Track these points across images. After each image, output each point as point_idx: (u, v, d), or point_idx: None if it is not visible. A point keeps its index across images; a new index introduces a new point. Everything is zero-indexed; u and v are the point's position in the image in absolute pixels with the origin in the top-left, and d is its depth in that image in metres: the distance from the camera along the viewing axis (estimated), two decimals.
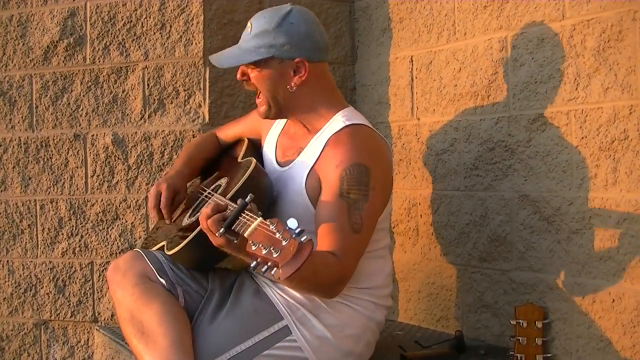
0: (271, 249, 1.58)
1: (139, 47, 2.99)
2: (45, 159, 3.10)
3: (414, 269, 2.85)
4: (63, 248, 3.07)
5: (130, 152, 2.99)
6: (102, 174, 3.02)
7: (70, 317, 3.06)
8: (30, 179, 3.11)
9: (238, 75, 2.17)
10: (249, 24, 2.14)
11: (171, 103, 2.97)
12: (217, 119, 2.93)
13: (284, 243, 1.57)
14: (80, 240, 3.05)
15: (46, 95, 3.10)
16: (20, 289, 3.13)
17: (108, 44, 3.02)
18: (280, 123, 2.30)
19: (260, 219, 1.66)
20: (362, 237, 2.01)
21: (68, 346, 3.09)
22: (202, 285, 2.17)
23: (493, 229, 2.50)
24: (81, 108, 3.06)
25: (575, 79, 2.23)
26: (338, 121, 2.11)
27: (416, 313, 2.86)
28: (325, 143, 2.08)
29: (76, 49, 3.05)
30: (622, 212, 2.11)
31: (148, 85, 2.99)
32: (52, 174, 3.09)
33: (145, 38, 2.98)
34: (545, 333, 2.19)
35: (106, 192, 3.02)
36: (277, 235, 1.59)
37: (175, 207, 2.33)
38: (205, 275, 2.20)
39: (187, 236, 2.06)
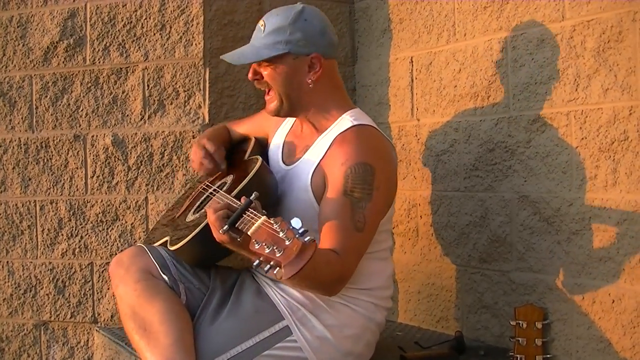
0: (274, 248, 1.57)
1: (139, 48, 2.99)
2: (45, 160, 3.10)
3: (413, 269, 2.85)
4: (63, 249, 3.07)
5: (130, 153, 2.99)
6: (102, 175, 3.02)
7: (70, 318, 3.06)
8: (30, 179, 3.11)
9: (250, 75, 2.17)
10: (260, 22, 2.15)
11: (171, 104, 2.97)
12: (217, 120, 2.93)
13: (287, 243, 1.57)
14: (80, 241, 3.05)
15: (46, 96, 3.10)
16: (20, 289, 3.13)
17: (108, 44, 3.02)
18: (288, 123, 2.31)
19: (264, 217, 1.66)
20: (365, 236, 2.01)
21: (68, 347, 3.09)
22: (204, 282, 2.17)
23: (493, 230, 2.50)
24: (81, 109, 3.06)
25: (575, 79, 2.23)
26: (345, 121, 2.12)
27: (416, 314, 2.86)
28: (332, 142, 2.09)
29: (76, 49, 3.05)
30: (622, 212, 2.11)
31: (148, 86, 2.99)
32: (52, 174, 3.09)
33: (145, 39, 2.99)
34: (545, 334, 2.19)
35: (106, 193, 3.02)
36: (281, 234, 1.59)
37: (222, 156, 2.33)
38: (207, 272, 2.20)
39: (191, 232, 2.06)
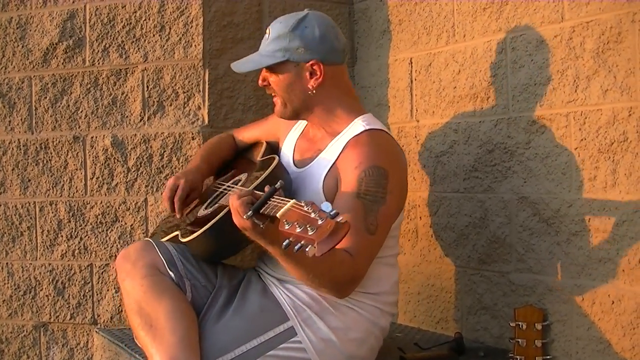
0: (307, 226, 1.54)
1: (139, 49, 2.99)
2: (45, 161, 3.10)
3: (413, 270, 2.85)
4: (62, 250, 3.06)
5: (130, 154, 2.99)
6: (102, 176, 3.02)
7: (70, 319, 3.06)
8: (29, 181, 3.11)
9: (259, 82, 2.21)
10: (267, 30, 2.18)
11: (170, 105, 2.97)
12: (216, 121, 2.93)
13: (320, 222, 1.54)
14: (79, 243, 3.04)
15: (45, 97, 3.10)
16: (19, 291, 3.13)
17: (107, 46, 3.02)
18: (299, 126, 2.33)
19: (293, 200, 1.64)
20: (376, 239, 2.02)
21: (67, 348, 3.09)
22: (211, 280, 2.17)
23: (492, 231, 2.50)
24: (80, 110, 3.06)
25: (575, 81, 2.23)
26: (358, 125, 2.13)
27: (415, 315, 2.86)
28: (345, 145, 2.10)
29: (75, 51, 3.05)
30: (621, 213, 2.11)
31: (147, 87, 2.99)
32: (51, 176, 3.09)
33: (145, 40, 2.99)
34: (545, 335, 2.19)
35: (105, 194, 3.02)
36: (313, 215, 1.56)
37: (189, 202, 2.36)
38: (214, 270, 2.20)
39: (204, 225, 2.06)
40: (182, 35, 2.95)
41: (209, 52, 2.92)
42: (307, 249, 1.54)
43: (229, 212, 1.82)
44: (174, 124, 2.96)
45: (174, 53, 2.96)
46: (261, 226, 1.71)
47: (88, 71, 3.04)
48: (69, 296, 3.06)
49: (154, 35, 2.97)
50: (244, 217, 1.73)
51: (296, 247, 1.55)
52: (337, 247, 1.85)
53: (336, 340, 2.08)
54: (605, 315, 2.17)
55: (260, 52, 2.19)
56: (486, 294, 2.53)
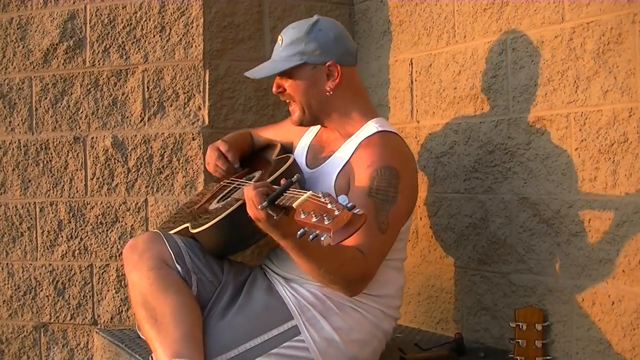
0: (323, 216, 1.55)
1: (139, 49, 2.99)
2: (45, 162, 3.10)
3: (413, 271, 2.85)
4: (63, 251, 3.07)
5: (130, 155, 2.99)
6: (102, 177, 3.02)
7: (70, 319, 3.06)
8: (29, 181, 3.11)
9: (274, 89, 2.22)
10: (279, 38, 2.21)
11: (171, 106, 2.97)
12: (216, 122, 2.93)
13: (336, 212, 1.55)
14: (79, 243, 3.04)
15: (46, 98, 3.10)
16: (19, 291, 3.13)
17: (108, 46, 3.02)
18: (313, 130, 2.35)
19: (310, 192, 1.64)
20: (387, 238, 2.03)
21: (68, 349, 3.09)
22: (217, 275, 2.17)
23: (493, 232, 2.50)
24: (81, 111, 3.06)
25: (575, 81, 2.23)
26: (371, 127, 2.16)
27: (416, 315, 2.86)
28: (358, 145, 2.12)
29: (76, 51, 3.05)
30: (621, 214, 2.11)
31: (148, 88, 2.99)
32: (51, 176, 3.09)
33: (145, 41, 2.99)
34: (545, 335, 2.19)
35: (106, 195, 3.02)
36: (329, 205, 1.56)
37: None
38: (220, 265, 2.20)
39: (217, 217, 2.06)
40: (183, 35, 2.95)
41: (209, 53, 2.93)
42: (322, 238, 1.54)
43: (243, 204, 1.83)
44: (174, 124, 2.96)
45: (175, 54, 2.96)
46: (275, 217, 1.72)
47: (88, 72, 3.05)
48: (69, 297, 3.06)
49: (154, 36, 2.98)
50: (259, 207, 1.73)
51: (311, 236, 1.55)
52: (347, 243, 1.85)
53: (339, 341, 2.09)
54: (605, 316, 2.17)
55: (274, 58, 2.21)
56: (486, 295, 2.54)
